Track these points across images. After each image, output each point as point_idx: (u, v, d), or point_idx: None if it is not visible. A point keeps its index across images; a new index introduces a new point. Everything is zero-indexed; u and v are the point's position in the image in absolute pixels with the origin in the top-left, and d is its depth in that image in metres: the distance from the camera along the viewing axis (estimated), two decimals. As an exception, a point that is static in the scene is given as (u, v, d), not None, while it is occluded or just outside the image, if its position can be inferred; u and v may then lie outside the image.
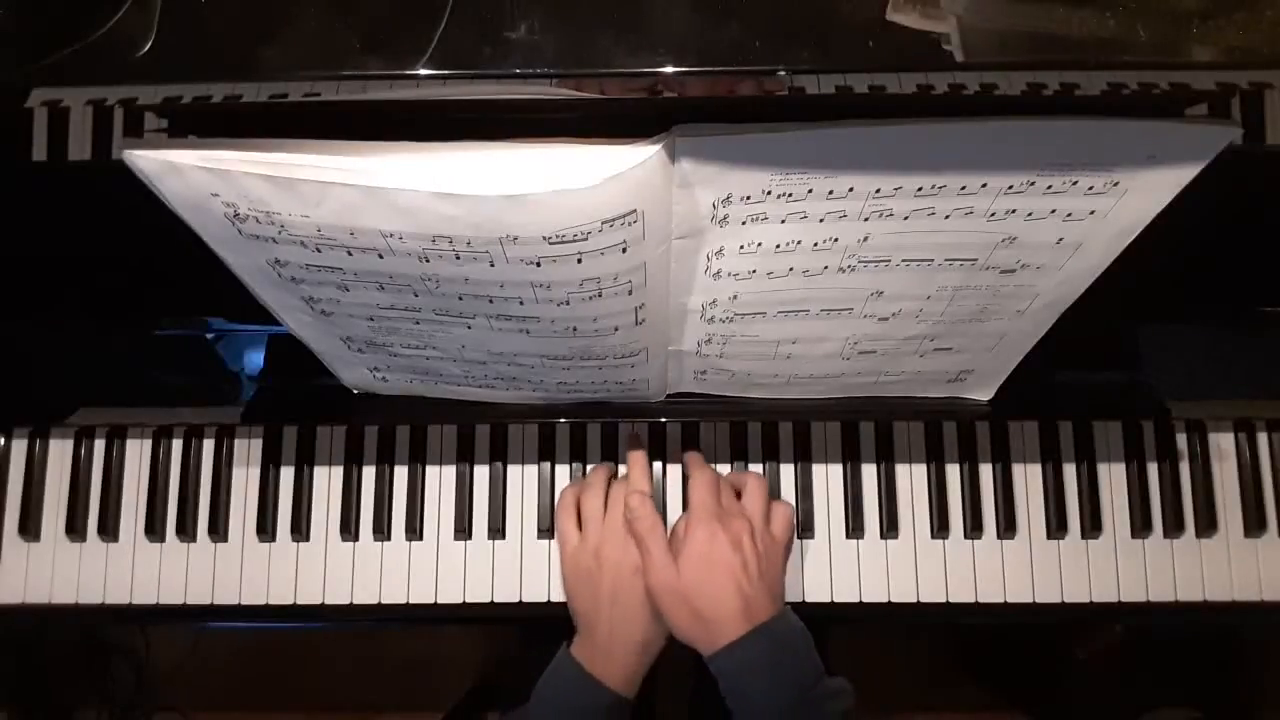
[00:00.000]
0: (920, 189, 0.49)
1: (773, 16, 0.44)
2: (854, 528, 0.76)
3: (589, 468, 0.77)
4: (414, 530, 0.77)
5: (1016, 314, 0.61)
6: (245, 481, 0.78)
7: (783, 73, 0.44)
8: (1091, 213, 0.51)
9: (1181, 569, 0.76)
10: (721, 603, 0.64)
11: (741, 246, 0.54)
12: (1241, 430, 0.78)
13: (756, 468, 0.78)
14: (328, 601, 0.76)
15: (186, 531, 0.77)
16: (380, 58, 0.44)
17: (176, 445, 0.79)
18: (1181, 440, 0.77)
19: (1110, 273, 0.56)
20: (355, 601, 0.76)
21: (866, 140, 0.46)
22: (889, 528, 0.76)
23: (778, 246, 0.54)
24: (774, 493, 0.77)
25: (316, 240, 0.50)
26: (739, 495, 0.72)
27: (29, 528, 0.77)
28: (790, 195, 0.49)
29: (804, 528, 0.77)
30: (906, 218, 0.52)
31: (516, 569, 0.77)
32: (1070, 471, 0.77)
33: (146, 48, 0.44)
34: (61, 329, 0.74)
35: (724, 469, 0.78)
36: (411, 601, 0.76)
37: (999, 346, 0.65)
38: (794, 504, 0.77)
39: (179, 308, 0.73)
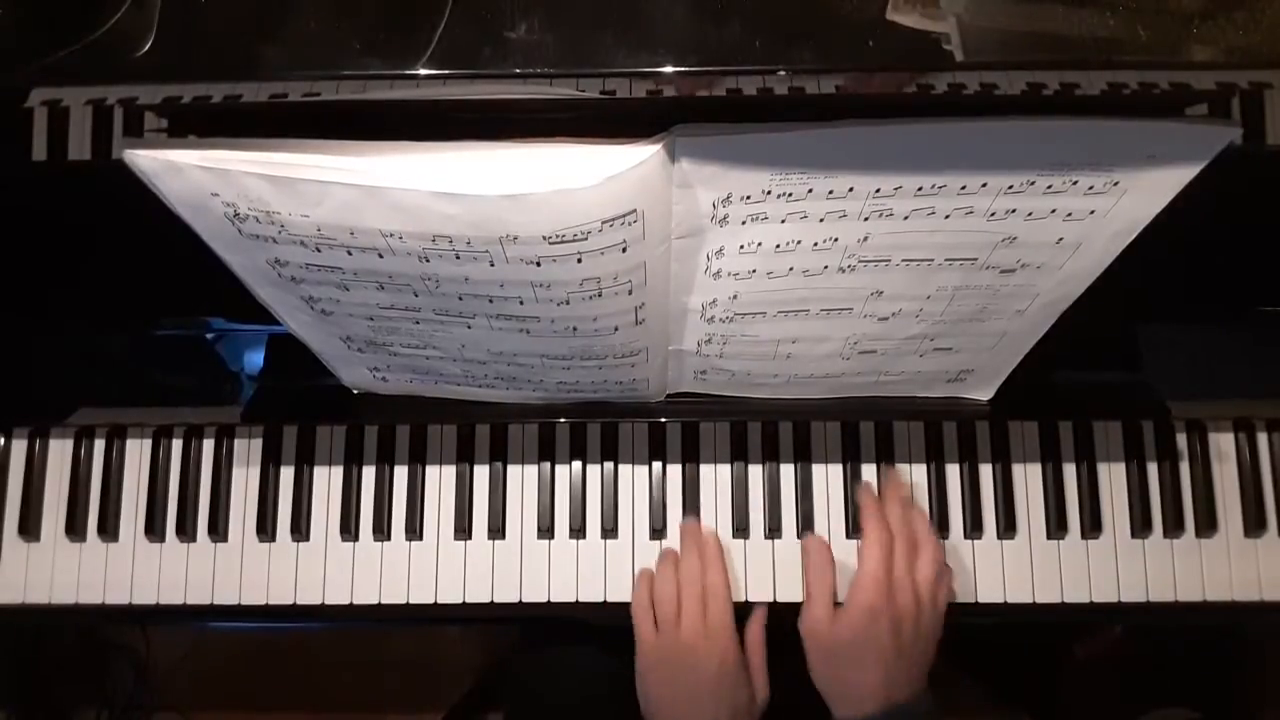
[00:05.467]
0: (920, 189, 0.49)
1: (773, 16, 0.44)
2: (854, 528, 0.76)
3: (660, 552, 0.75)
4: (414, 530, 0.77)
5: (1016, 314, 0.61)
6: (245, 481, 0.78)
7: (783, 73, 0.44)
8: (1091, 212, 0.51)
9: (1181, 569, 0.76)
10: (862, 679, 0.65)
11: (741, 246, 0.54)
12: (1241, 430, 0.78)
13: (756, 468, 0.78)
14: (328, 601, 0.76)
15: (186, 531, 0.77)
16: (380, 58, 0.44)
17: (176, 445, 0.79)
18: (1181, 440, 0.77)
19: (1110, 273, 0.56)
20: (355, 601, 0.76)
21: (866, 140, 0.46)
22: (889, 528, 0.76)
23: (778, 246, 0.54)
24: (773, 493, 0.77)
25: (316, 240, 0.50)
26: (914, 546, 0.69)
27: (29, 528, 0.77)
28: (790, 195, 0.50)
29: (804, 528, 0.76)
30: (906, 217, 0.52)
31: (516, 569, 0.77)
32: (1070, 471, 0.77)
33: (146, 48, 0.44)
34: (61, 329, 0.74)
35: (724, 469, 0.78)
36: (411, 601, 0.76)
37: (999, 346, 0.65)
38: (794, 504, 0.77)
39: (179, 308, 0.73)
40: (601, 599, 0.76)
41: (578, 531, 0.77)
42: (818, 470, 0.78)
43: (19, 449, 0.79)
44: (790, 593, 0.75)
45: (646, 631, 0.71)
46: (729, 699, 0.68)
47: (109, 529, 0.77)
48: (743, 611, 0.72)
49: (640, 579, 0.74)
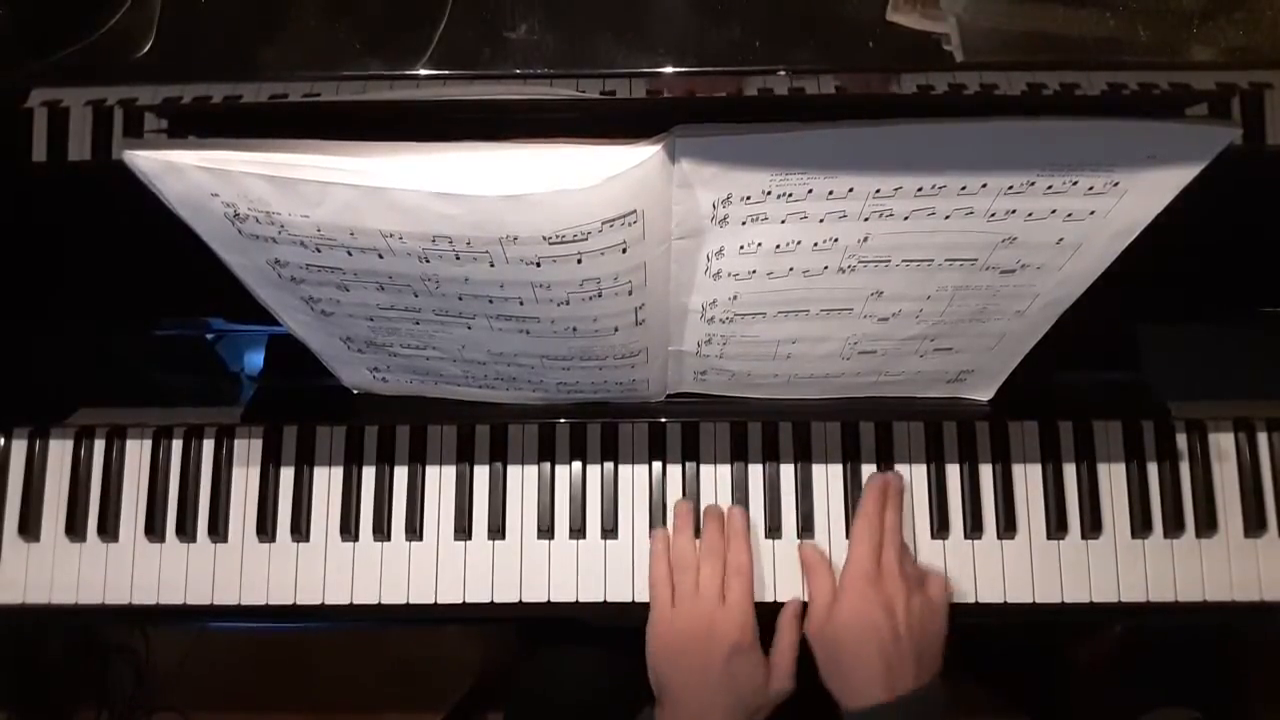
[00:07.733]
0: (920, 189, 0.49)
1: (773, 16, 0.44)
2: (854, 528, 0.76)
3: (672, 517, 0.76)
4: (414, 530, 0.77)
5: (1016, 314, 0.61)
6: (245, 481, 0.78)
7: (783, 73, 0.44)
8: (1091, 213, 0.51)
9: (1181, 569, 0.76)
10: (865, 665, 0.65)
11: (741, 247, 0.54)
12: (1241, 430, 0.78)
13: (756, 468, 0.78)
14: (328, 601, 0.76)
15: (186, 532, 0.77)
16: (380, 58, 0.44)
17: (176, 445, 0.79)
18: (1181, 440, 0.77)
19: (1110, 273, 0.56)
20: (355, 601, 0.76)
21: (866, 140, 0.46)
22: (889, 528, 0.76)
23: (777, 247, 0.54)
24: (773, 493, 0.77)
25: (316, 240, 0.50)
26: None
27: (29, 528, 0.77)
28: (790, 195, 0.50)
29: (804, 528, 0.76)
30: (906, 218, 0.52)
31: (516, 569, 0.77)
32: (1070, 471, 0.77)
33: (146, 48, 0.44)
34: (61, 329, 0.74)
35: (724, 469, 0.78)
36: (411, 602, 0.76)
37: (999, 347, 0.65)
38: (794, 504, 0.77)
39: (179, 308, 0.73)
40: (601, 599, 0.76)
41: (578, 532, 0.77)
42: (818, 470, 0.78)
43: (19, 449, 0.79)
44: (789, 591, 0.75)
45: (663, 602, 0.71)
46: (743, 680, 0.68)
47: (109, 529, 0.77)
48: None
49: (655, 545, 0.74)
